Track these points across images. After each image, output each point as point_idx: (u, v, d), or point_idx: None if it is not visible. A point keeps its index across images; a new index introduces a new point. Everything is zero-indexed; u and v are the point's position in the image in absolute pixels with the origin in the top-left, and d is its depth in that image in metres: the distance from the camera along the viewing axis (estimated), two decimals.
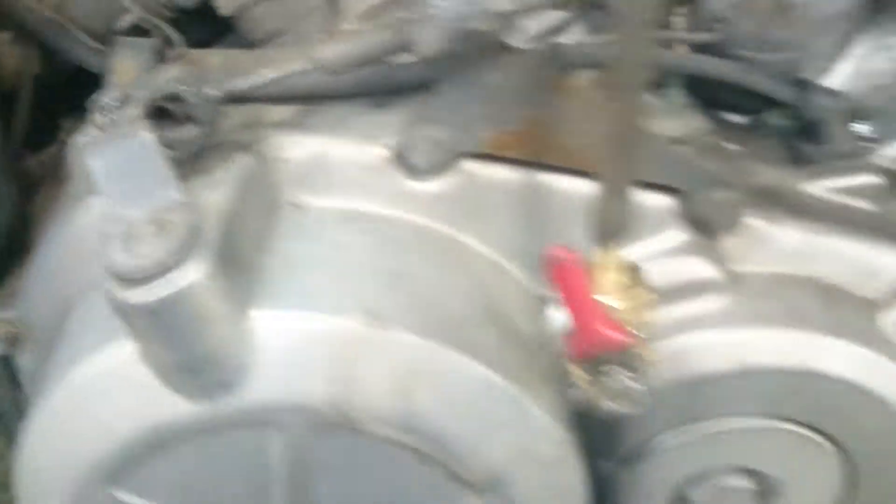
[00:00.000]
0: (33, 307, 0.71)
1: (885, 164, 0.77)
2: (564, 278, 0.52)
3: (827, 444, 0.71)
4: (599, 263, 0.57)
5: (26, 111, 0.80)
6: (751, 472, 0.73)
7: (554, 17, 0.60)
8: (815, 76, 0.79)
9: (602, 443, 0.67)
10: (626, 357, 0.55)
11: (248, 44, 0.76)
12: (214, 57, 0.72)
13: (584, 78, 0.64)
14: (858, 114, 0.79)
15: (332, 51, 0.56)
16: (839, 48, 0.79)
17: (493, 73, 0.61)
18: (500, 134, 0.62)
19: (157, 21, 0.71)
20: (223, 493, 0.63)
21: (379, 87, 0.66)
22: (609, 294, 0.57)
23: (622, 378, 0.56)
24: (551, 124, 0.60)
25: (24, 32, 0.76)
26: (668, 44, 0.70)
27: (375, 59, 0.57)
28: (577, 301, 0.52)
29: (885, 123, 0.79)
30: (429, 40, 0.54)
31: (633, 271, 0.59)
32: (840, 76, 0.79)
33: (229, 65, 0.65)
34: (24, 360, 0.75)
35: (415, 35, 0.54)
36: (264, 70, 0.59)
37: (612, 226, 0.55)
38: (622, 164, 0.53)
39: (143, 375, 0.57)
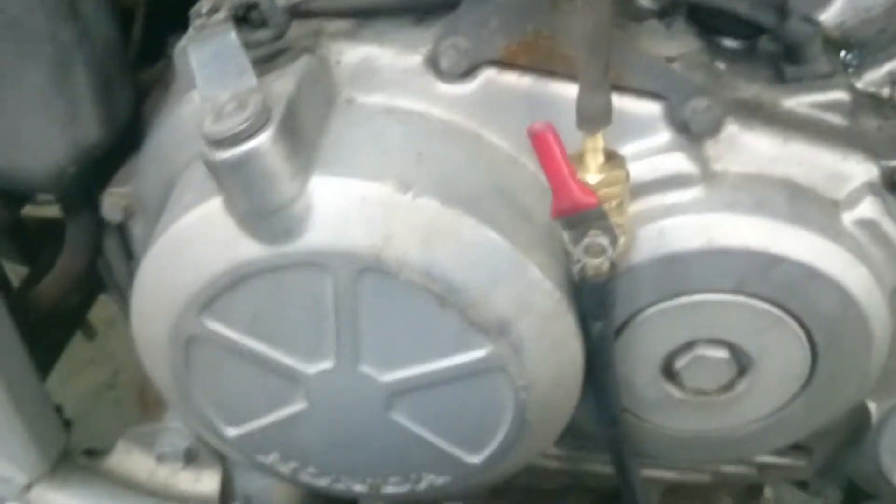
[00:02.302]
0: (144, 184, 0.88)
1: (862, 86, 0.87)
2: (543, 148, 0.65)
3: (791, 322, 0.80)
4: (585, 146, 0.71)
5: (140, 30, 0.98)
6: (727, 344, 0.82)
7: None
8: (811, 8, 0.90)
9: (597, 307, 0.80)
10: (597, 219, 0.68)
11: None
12: None
13: None
14: (846, 43, 0.90)
15: None
16: None
17: None
18: (513, 44, 0.76)
19: None
20: (288, 323, 0.78)
21: (420, 6, 0.80)
22: (590, 172, 0.71)
23: (596, 237, 0.69)
24: (554, 36, 0.72)
25: None
26: None
27: None
28: (554, 167, 0.65)
29: (867, 52, 0.88)
30: None
31: (613, 155, 0.72)
32: (834, 9, 0.89)
33: None
34: (137, 230, 0.93)
35: None
36: None
37: (592, 114, 0.68)
38: (596, 62, 0.66)
39: (227, 223, 0.73)
